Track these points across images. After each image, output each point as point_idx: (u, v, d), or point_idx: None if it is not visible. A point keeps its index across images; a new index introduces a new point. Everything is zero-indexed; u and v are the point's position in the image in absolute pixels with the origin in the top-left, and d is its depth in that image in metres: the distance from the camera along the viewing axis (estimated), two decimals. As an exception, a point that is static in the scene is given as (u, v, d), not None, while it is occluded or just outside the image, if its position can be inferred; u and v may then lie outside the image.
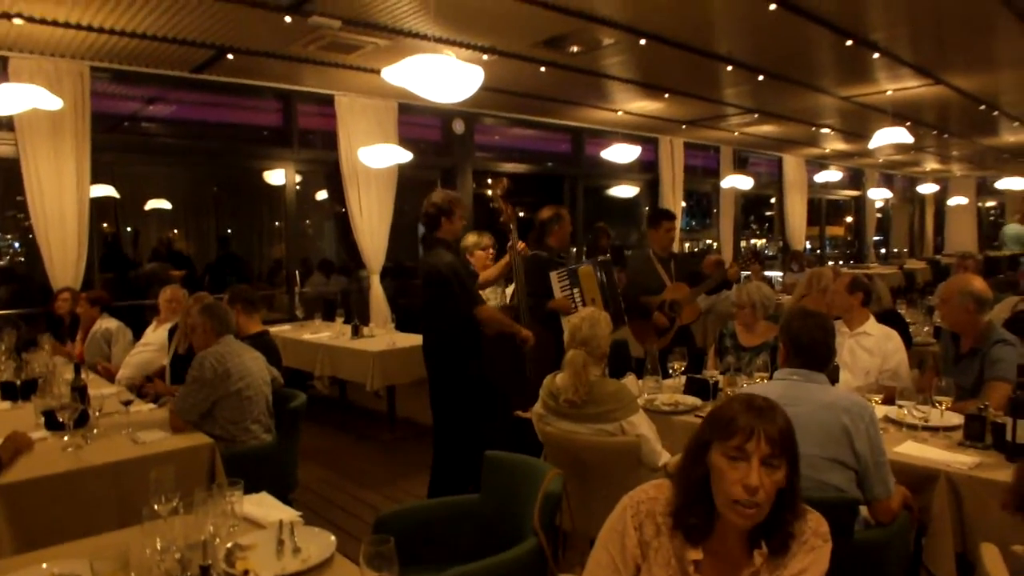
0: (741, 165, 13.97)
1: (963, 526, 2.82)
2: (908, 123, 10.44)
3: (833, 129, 11.96)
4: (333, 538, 2.27)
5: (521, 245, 4.93)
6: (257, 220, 12.02)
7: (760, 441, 1.64)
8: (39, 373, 4.62)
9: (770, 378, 3.38)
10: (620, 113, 10.08)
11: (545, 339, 4.77)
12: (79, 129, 6.53)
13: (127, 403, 4.01)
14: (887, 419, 3.49)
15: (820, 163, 15.70)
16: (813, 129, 11.92)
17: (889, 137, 8.43)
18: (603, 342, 3.49)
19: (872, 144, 8.84)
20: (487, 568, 2.30)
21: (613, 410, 3.30)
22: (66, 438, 3.44)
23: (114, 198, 9.36)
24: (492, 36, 6.41)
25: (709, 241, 15.09)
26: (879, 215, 19.33)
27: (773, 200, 16.01)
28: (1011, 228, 15.75)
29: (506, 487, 2.83)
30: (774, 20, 5.96)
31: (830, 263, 16.13)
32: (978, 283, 3.83)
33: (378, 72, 4.84)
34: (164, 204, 10.98)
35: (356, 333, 7.06)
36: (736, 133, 12.13)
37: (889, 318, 4.89)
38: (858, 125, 11.33)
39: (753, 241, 19.21)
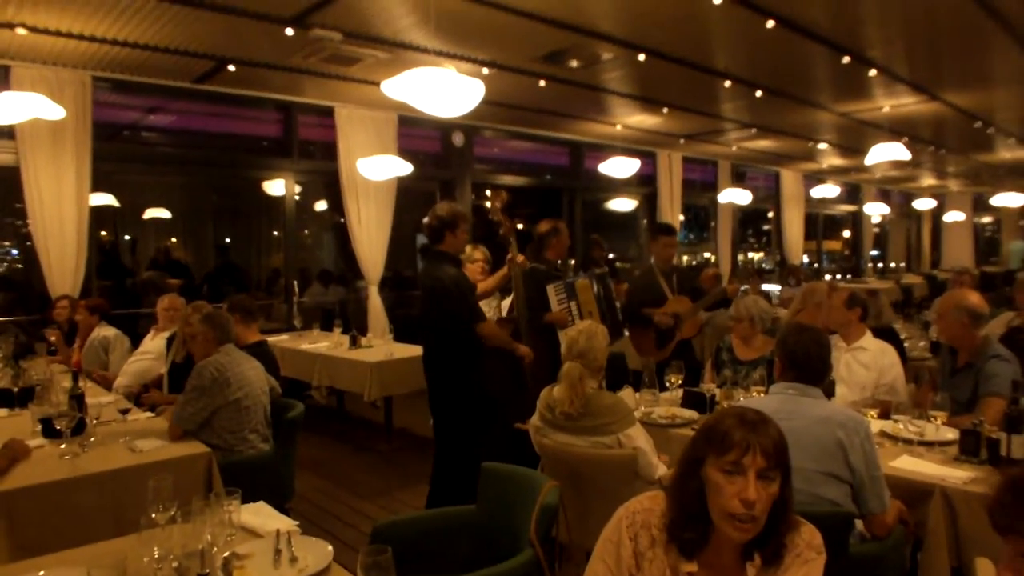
0: (739, 179, 14.02)
1: (958, 541, 2.82)
2: (905, 139, 10.50)
3: (830, 144, 12.01)
4: (330, 548, 2.27)
5: (520, 258, 4.94)
6: (256, 230, 12.04)
7: (756, 455, 1.65)
8: (36, 381, 4.62)
9: (766, 392, 3.40)
10: (619, 127, 10.12)
11: (543, 351, 4.79)
12: (80, 138, 6.55)
13: (125, 411, 4.02)
14: (883, 434, 3.51)
15: (817, 178, 15.75)
16: (810, 144, 11.98)
17: (886, 153, 8.47)
18: (600, 355, 3.50)
19: (869, 160, 8.88)
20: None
21: (610, 423, 3.31)
22: (63, 446, 3.44)
23: (113, 207, 9.38)
24: (492, 50, 6.45)
25: (707, 255, 15.12)
26: (876, 230, 19.38)
27: (771, 214, 16.06)
28: (1017, 245, 15.81)
29: (503, 498, 2.83)
30: (772, 37, 6.00)
31: (827, 277, 16.18)
32: (974, 298, 3.85)
33: (378, 84, 4.86)
34: (163, 213, 10.98)
35: (354, 343, 7.07)
36: (734, 148, 12.18)
37: (885, 333, 4.91)
38: (855, 141, 11.38)
39: (751, 255, 19.25)
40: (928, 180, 17.86)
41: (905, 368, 4.46)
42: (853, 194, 17.99)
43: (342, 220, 8.70)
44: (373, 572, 1.71)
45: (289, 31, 5.67)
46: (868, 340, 4.39)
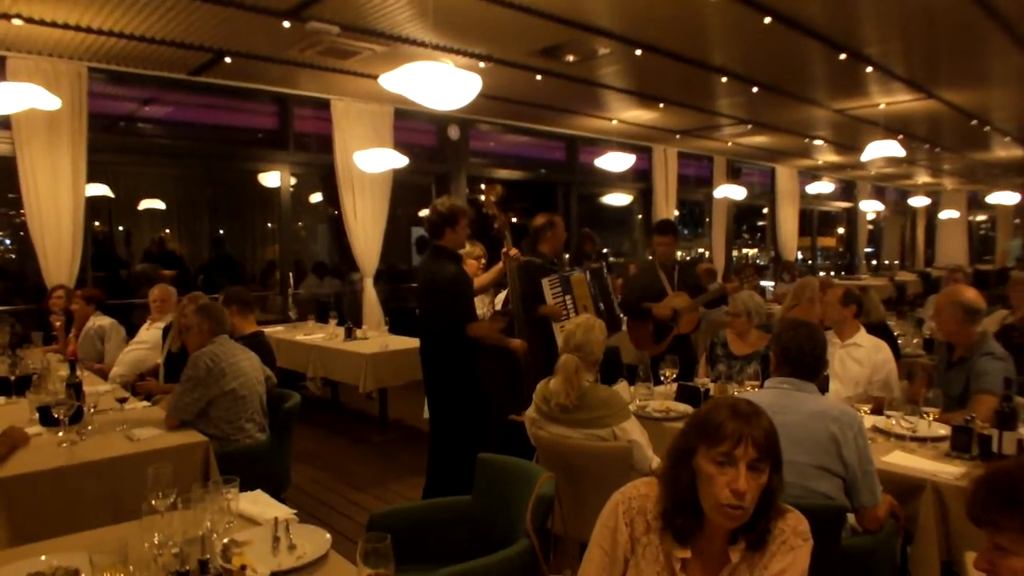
0: (734, 175, 14.05)
1: (948, 535, 2.86)
2: (900, 136, 10.54)
3: (826, 141, 12.04)
4: (328, 535, 2.29)
5: (515, 252, 4.96)
6: (251, 222, 12.02)
7: (747, 447, 1.68)
8: (33, 369, 4.63)
9: (761, 387, 3.43)
10: (614, 122, 10.13)
11: (538, 345, 4.81)
12: (76, 129, 6.54)
13: (122, 400, 4.03)
14: (875, 429, 3.54)
15: (813, 174, 15.80)
16: (806, 141, 12.00)
17: (881, 150, 8.50)
18: (597, 348, 3.53)
19: (864, 157, 8.92)
20: (478, 569, 2.33)
21: (605, 416, 3.33)
22: (61, 434, 3.46)
23: (107, 197, 9.37)
24: (489, 44, 6.45)
25: (701, 250, 15.15)
26: (870, 227, 19.44)
27: (765, 210, 16.11)
28: (1016, 242, 15.88)
29: (499, 489, 2.86)
30: (768, 33, 6.02)
31: (821, 274, 16.22)
32: (970, 294, 3.89)
33: (375, 78, 4.87)
34: (158, 204, 10.97)
35: (349, 335, 7.08)
36: (729, 143, 12.19)
37: (879, 329, 4.95)
38: (851, 138, 11.41)
39: (745, 251, 19.30)
40: (923, 178, 17.91)
41: (898, 364, 4.50)
42: (848, 191, 18.03)
43: (337, 212, 8.70)
44: (373, 559, 1.74)
45: (286, 24, 5.66)
46: (862, 336, 4.43)
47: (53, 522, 2.89)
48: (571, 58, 6.81)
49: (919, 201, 18.09)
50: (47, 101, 5.27)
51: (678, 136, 11.44)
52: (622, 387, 4.19)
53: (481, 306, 5.82)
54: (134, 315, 7.50)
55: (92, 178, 6.94)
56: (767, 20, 5.73)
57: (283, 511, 2.50)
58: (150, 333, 5.79)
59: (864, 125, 10.20)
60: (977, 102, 9.22)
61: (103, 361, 6.01)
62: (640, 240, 13.60)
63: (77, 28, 5.71)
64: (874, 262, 20.45)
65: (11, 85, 5.31)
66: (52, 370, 4.64)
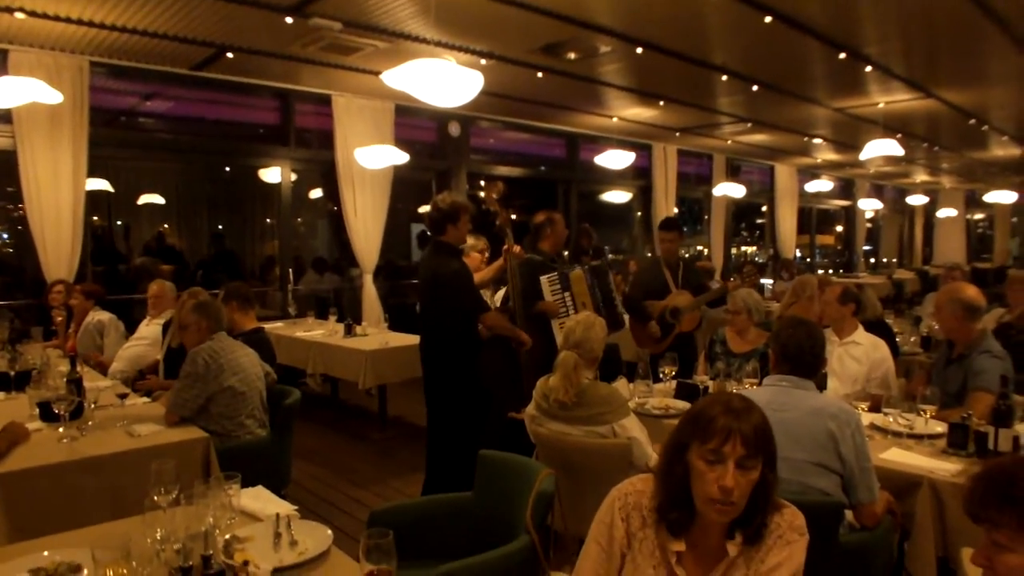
0: (733, 173, 14.05)
1: (945, 531, 2.88)
2: (899, 135, 10.55)
3: (825, 140, 12.05)
4: (329, 532, 2.30)
5: (516, 248, 4.97)
6: (251, 217, 12.02)
7: (736, 444, 1.70)
8: (33, 364, 4.64)
9: (760, 384, 3.44)
10: (615, 119, 10.14)
11: (537, 341, 4.82)
12: (77, 123, 6.53)
13: (123, 396, 4.04)
14: (873, 426, 3.55)
15: (812, 173, 15.81)
16: (805, 139, 12.01)
17: (880, 149, 8.51)
18: (596, 345, 3.54)
19: (863, 155, 8.93)
20: (478, 565, 2.34)
21: (604, 412, 3.35)
22: (61, 430, 3.47)
23: (107, 192, 9.37)
24: (491, 41, 6.45)
25: (700, 248, 15.16)
26: (869, 225, 19.45)
27: (764, 208, 16.12)
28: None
29: (499, 486, 2.87)
30: (769, 32, 6.03)
31: (820, 272, 16.24)
32: (970, 291, 3.90)
33: (377, 74, 4.87)
34: (158, 199, 10.96)
35: (349, 332, 7.08)
36: (729, 141, 12.20)
37: (877, 328, 4.97)
38: (850, 136, 11.42)
39: (744, 248, 19.31)
40: (921, 176, 17.92)
41: (896, 362, 4.52)
42: (847, 189, 18.04)
43: (337, 208, 8.70)
44: (375, 555, 1.75)
45: (289, 19, 5.66)
46: (860, 335, 4.45)
47: (53, 518, 2.90)
48: (572, 56, 6.81)
49: (917, 200, 18.11)
50: (49, 95, 5.27)
51: (678, 134, 11.45)
52: (621, 384, 4.21)
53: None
54: (134, 310, 7.51)
55: (92, 172, 6.94)
56: (768, 19, 5.74)
57: (284, 507, 2.51)
58: (150, 329, 5.79)
59: (863, 124, 10.21)
60: (976, 101, 9.23)
61: (102, 356, 6.01)
62: (640, 237, 13.61)
63: (79, 22, 5.71)
64: (872, 260, 20.47)
65: (13, 79, 5.31)
66: (52, 365, 4.65)
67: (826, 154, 13.84)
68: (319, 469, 5.87)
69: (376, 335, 7.03)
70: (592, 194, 12.89)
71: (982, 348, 3.79)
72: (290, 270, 8.90)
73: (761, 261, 16.37)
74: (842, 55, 6.76)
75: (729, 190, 12.45)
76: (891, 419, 3.52)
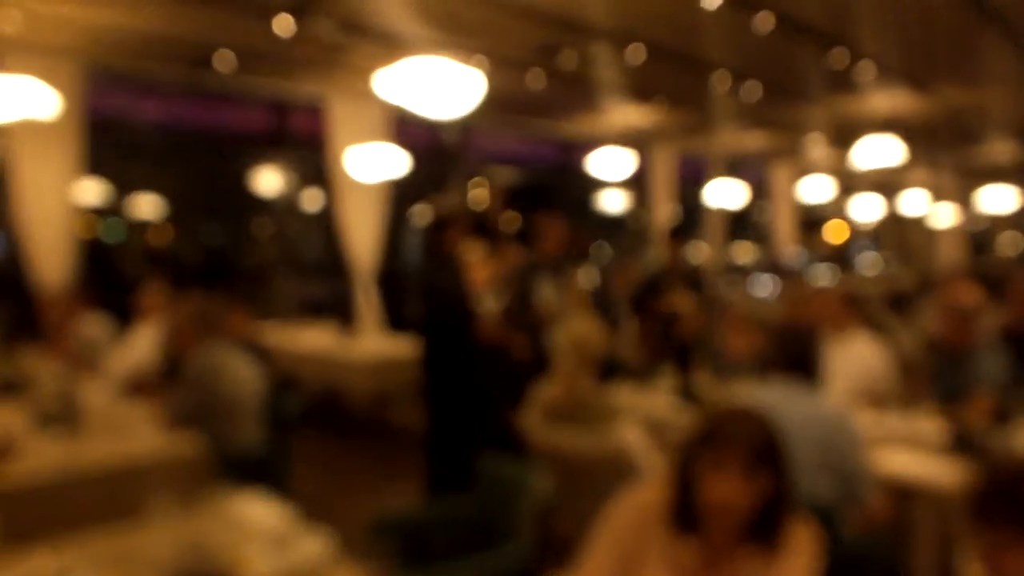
0: (729, 175, 14.03)
1: (945, 533, 2.86)
2: (898, 136, 10.54)
3: (822, 141, 12.04)
4: (329, 538, 2.28)
5: (514, 252, 4.95)
6: (246, 221, 11.99)
7: (738, 453, 1.70)
8: (27, 371, 4.61)
9: (758, 387, 3.42)
10: (611, 122, 10.12)
11: (537, 345, 4.80)
12: (71, 127, 6.50)
13: (118, 404, 4.02)
14: (871, 428, 3.53)
15: (810, 174, 15.79)
16: (802, 140, 12.00)
17: (878, 150, 8.51)
18: (595, 350, 3.51)
19: (861, 156, 8.92)
20: (478, 567, 2.33)
21: (603, 417, 3.32)
22: (56, 437, 3.43)
23: (101, 196, 9.33)
24: (485, 43, 6.43)
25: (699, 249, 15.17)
26: (868, 226, 19.44)
27: (761, 210, 16.12)
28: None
29: (497, 490, 2.86)
30: (766, 34, 6.01)
31: (816, 274, 16.25)
32: (969, 292, 3.90)
33: (372, 76, 4.86)
34: (152, 203, 10.92)
35: (345, 337, 7.05)
36: (725, 143, 12.19)
37: (876, 329, 4.95)
38: (847, 138, 11.41)
39: (739, 248, 19.32)
40: (920, 178, 17.93)
41: (895, 364, 4.50)
42: (845, 190, 18.03)
43: (332, 212, 8.68)
44: (375, 560, 1.73)
45: (286, 21, 5.63)
46: (859, 336, 4.43)
47: (48, 526, 2.86)
48: (567, 58, 6.80)
49: (917, 200, 18.10)
50: (44, 107, 5.20)
51: (674, 136, 11.43)
52: (620, 388, 4.19)
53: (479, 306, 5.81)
54: (127, 317, 7.47)
55: (86, 176, 6.90)
56: (766, 19, 5.72)
57: (283, 514, 2.48)
58: (144, 335, 5.75)
59: (860, 125, 10.20)
60: (975, 102, 9.24)
61: (96, 363, 5.97)
62: (638, 240, 13.59)
63: (73, 24, 5.68)
64: (870, 262, 20.47)
65: (7, 78, 5.23)
66: (46, 372, 4.61)
67: (823, 156, 13.83)
68: (318, 475, 5.83)
69: (373, 340, 7.01)
70: (588, 196, 12.87)
71: (982, 349, 3.78)
72: (286, 275, 8.87)
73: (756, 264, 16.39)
74: (840, 55, 6.74)
75: (725, 192, 12.43)
76: (890, 421, 3.50)
